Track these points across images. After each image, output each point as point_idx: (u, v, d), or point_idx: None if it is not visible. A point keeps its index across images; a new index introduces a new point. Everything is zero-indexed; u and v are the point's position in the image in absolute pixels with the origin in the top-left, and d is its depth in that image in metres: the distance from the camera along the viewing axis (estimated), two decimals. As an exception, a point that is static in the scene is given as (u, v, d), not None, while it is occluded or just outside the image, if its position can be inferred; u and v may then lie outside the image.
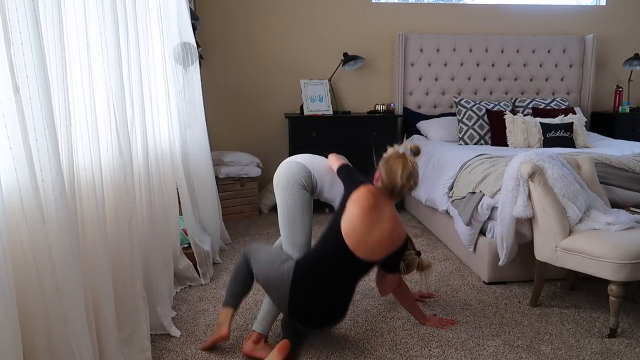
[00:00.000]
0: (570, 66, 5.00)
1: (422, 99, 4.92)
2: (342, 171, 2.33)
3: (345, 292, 2.16)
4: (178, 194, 3.02)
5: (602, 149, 3.85)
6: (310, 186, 2.36)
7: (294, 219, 2.32)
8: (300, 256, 2.21)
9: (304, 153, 2.58)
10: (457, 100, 4.58)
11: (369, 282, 3.02)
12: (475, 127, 4.39)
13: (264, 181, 4.83)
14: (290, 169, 2.37)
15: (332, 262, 2.11)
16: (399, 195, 2.21)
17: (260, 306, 2.68)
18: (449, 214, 3.41)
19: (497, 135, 4.30)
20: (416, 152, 2.23)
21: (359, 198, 2.14)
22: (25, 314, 1.42)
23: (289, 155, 4.62)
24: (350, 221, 2.10)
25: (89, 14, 1.80)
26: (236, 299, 2.31)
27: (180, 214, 3.08)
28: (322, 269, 2.10)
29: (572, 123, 4.19)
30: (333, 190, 2.41)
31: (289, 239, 2.33)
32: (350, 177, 2.27)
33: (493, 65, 4.92)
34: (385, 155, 2.24)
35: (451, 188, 3.39)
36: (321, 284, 2.09)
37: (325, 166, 2.46)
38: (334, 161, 2.41)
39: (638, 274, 2.27)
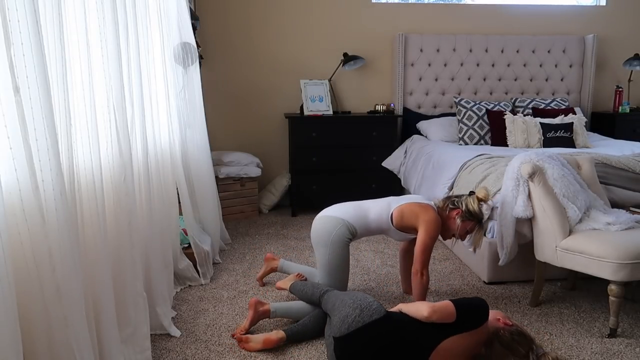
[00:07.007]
0: (570, 66, 5.00)
1: (422, 99, 4.92)
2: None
3: None
4: (178, 194, 3.02)
5: (602, 149, 3.85)
6: (350, 233, 2.52)
7: (334, 274, 2.51)
8: None
9: (336, 204, 2.68)
10: (457, 101, 4.58)
11: (369, 282, 3.02)
12: (475, 127, 4.39)
13: (264, 181, 4.83)
14: (325, 224, 2.54)
15: None
16: None
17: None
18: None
19: (497, 136, 4.30)
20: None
21: None
22: (25, 314, 1.42)
23: (289, 155, 4.70)
24: None
25: (89, 14, 1.80)
26: (296, 335, 2.31)
27: (180, 214, 3.08)
28: None
29: (572, 123, 4.19)
30: (371, 228, 2.57)
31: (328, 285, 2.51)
32: None
33: (493, 65, 4.92)
34: None
35: (451, 188, 3.39)
36: None
37: (356, 209, 2.57)
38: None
39: (638, 274, 2.27)
